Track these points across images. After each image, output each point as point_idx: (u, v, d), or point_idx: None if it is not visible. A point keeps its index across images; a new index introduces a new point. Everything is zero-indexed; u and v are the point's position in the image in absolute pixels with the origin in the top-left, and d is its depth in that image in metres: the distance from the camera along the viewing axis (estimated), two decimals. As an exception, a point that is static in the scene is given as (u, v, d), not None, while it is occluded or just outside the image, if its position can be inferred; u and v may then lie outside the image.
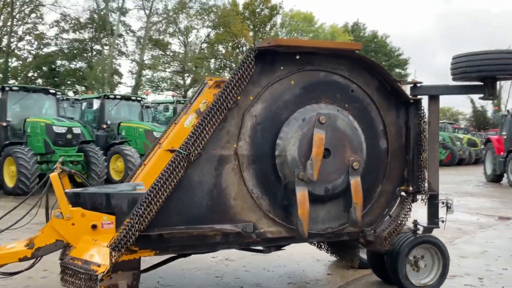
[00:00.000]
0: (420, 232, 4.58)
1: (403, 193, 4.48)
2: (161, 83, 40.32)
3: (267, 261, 5.82)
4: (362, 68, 4.31)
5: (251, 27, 41.09)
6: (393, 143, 4.44)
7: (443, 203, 4.49)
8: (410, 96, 4.36)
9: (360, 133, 4.22)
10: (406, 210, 4.39)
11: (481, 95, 4.24)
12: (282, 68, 4.10)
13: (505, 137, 17.69)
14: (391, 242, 4.37)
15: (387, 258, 4.72)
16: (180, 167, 3.81)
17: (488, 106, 47.16)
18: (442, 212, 4.65)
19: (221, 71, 43.52)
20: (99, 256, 3.93)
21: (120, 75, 37.94)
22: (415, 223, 4.60)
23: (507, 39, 67.53)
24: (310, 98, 4.17)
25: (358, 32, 48.29)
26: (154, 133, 14.88)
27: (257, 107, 4.06)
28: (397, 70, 47.00)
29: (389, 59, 45.70)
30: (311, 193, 4.05)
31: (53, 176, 4.27)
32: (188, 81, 40.39)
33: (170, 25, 38.30)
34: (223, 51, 42.37)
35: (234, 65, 43.65)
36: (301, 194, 4.00)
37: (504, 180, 17.15)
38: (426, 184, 4.40)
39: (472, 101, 48.86)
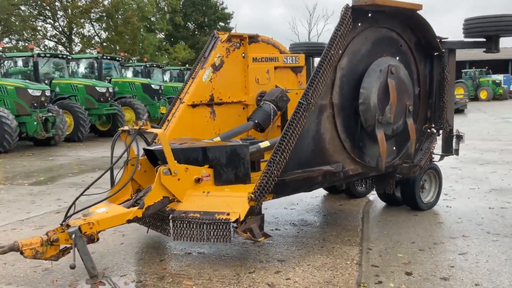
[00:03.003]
0: (435, 160, 5.74)
1: (429, 130, 5.51)
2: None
3: (278, 203, 6.38)
4: (406, 25, 5.10)
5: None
6: (421, 89, 5.40)
7: (456, 136, 5.67)
8: (440, 49, 5.32)
9: (410, 81, 5.05)
10: (434, 143, 5.46)
11: (486, 49, 5.43)
12: (359, 24, 4.64)
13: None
14: (424, 170, 5.43)
15: (404, 183, 5.76)
16: (304, 116, 4.17)
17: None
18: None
19: (33, 20, 39.32)
20: (221, 205, 4.08)
21: None
22: (430, 153, 5.70)
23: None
24: (378, 52, 4.83)
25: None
26: (29, 90, 13.45)
27: (344, 60, 4.56)
28: (221, 23, 48.51)
29: (214, 13, 46.81)
30: (384, 133, 4.79)
31: (162, 133, 4.17)
32: None
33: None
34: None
35: (50, 14, 39.86)
36: (381, 135, 4.72)
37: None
38: (445, 122, 5.50)
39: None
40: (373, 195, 6.75)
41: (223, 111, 6.02)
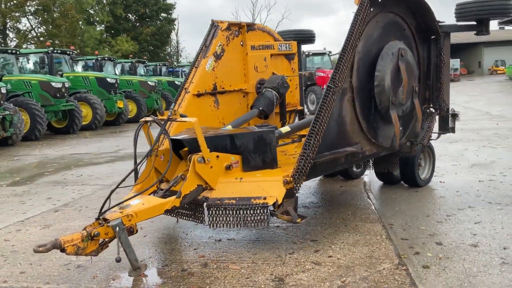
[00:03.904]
0: (433, 138, 6.05)
1: (428, 110, 5.80)
2: None
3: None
4: (409, 10, 5.33)
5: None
6: (421, 71, 5.67)
7: (452, 114, 6.00)
8: (439, 33, 5.59)
9: (415, 63, 5.29)
10: (433, 122, 5.76)
11: (477, 32, 5.78)
12: (372, 9, 4.80)
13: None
14: (426, 148, 5.73)
15: (403, 162, 6.04)
16: (333, 100, 4.30)
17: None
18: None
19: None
20: (256, 190, 4.13)
21: None
22: (426, 132, 6.00)
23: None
24: (387, 36, 5.02)
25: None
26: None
27: (360, 44, 4.71)
28: (163, 14, 47.72)
29: (156, 3, 45.89)
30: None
31: (195, 121, 4.14)
32: None
33: None
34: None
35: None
36: (395, 115, 4.94)
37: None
38: (442, 102, 5.81)
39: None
40: (366, 176, 7.03)
41: (225, 99, 6.04)
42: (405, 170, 6.13)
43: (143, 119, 4.58)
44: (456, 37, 47.34)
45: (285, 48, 6.75)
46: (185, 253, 4.32)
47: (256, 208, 4.04)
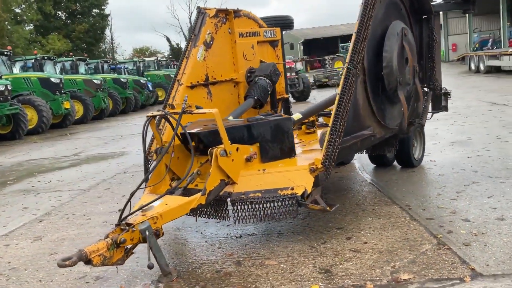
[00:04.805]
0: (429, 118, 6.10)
1: (423, 90, 5.83)
2: None
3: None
4: (403, -11, 5.32)
5: None
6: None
7: (444, 93, 6.06)
8: (432, 12, 5.62)
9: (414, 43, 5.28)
10: (429, 102, 5.80)
11: (463, 10, 5.87)
12: (377, -12, 4.73)
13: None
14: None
15: (400, 143, 6.05)
16: (353, 82, 4.17)
17: (182, 44, 52.06)
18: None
19: None
20: (281, 181, 3.94)
21: None
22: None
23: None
24: (388, 16, 4.97)
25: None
26: None
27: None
28: (96, 10, 45.98)
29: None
30: (402, 94, 4.98)
31: (216, 112, 3.86)
32: None
33: None
34: None
35: None
36: (402, 96, 4.90)
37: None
38: (435, 82, 5.86)
39: (168, 39, 53.15)
40: (355, 160, 7.00)
41: (217, 90, 5.79)
42: (401, 151, 6.12)
43: (150, 114, 4.23)
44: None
45: (270, 35, 6.56)
46: (211, 252, 4.06)
47: (285, 199, 3.84)
